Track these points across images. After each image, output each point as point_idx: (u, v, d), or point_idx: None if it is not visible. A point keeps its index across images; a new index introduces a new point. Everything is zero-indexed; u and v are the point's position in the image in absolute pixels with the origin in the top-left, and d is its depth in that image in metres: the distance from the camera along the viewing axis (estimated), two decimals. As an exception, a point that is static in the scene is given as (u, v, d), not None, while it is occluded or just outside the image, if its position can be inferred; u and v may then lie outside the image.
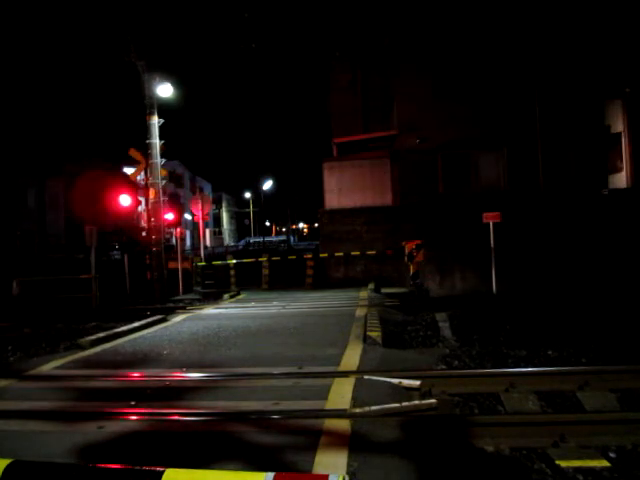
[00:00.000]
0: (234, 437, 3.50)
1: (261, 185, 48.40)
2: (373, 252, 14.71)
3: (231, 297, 13.43)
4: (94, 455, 3.30)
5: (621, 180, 15.28)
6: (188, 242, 44.76)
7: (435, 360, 6.18)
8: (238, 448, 3.32)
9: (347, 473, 2.90)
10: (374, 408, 3.91)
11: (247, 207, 61.02)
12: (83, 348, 6.99)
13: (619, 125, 15.28)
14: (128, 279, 15.04)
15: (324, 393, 4.38)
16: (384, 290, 13.50)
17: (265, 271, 15.39)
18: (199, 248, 18.10)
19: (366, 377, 4.88)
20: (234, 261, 15.81)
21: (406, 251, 12.33)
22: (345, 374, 5.04)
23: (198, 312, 10.70)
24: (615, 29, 14.84)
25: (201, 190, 45.77)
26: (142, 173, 14.44)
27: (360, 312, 9.27)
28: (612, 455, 3.55)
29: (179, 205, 39.06)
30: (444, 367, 5.91)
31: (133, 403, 4.36)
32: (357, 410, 3.91)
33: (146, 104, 13.76)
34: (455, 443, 3.70)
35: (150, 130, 13.76)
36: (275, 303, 11.43)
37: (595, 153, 15.55)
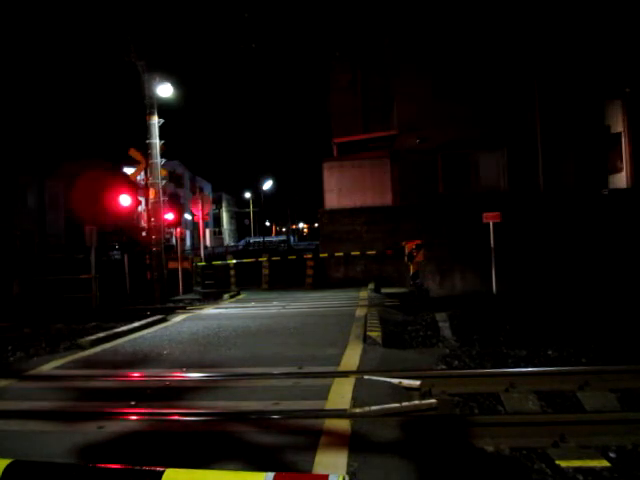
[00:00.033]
0: (234, 437, 3.50)
1: (261, 185, 48.44)
2: (373, 252, 14.71)
3: (231, 297, 13.43)
4: (94, 455, 3.30)
5: (621, 180, 15.28)
6: (188, 242, 44.77)
7: (435, 360, 6.18)
8: (238, 448, 3.32)
9: (347, 473, 2.90)
10: (374, 408, 3.91)
11: (247, 207, 61.03)
12: (83, 348, 6.99)
13: (619, 125, 15.28)
14: (128, 279, 15.04)
15: (324, 393, 4.38)
16: (384, 290, 13.50)
17: (265, 271, 15.39)
18: (199, 248, 18.10)
19: (366, 377, 4.88)
20: (234, 261, 15.80)
21: (406, 251, 12.33)
22: (345, 374, 5.04)
23: (198, 312, 10.70)
24: (615, 29, 14.84)
25: (201, 190, 45.79)
26: (142, 173, 14.44)
27: (360, 312, 9.27)
28: (612, 455, 3.56)
29: (179, 205, 39.08)
30: (444, 367, 5.91)
31: (133, 403, 4.36)
32: (357, 410, 3.91)
33: (146, 104, 13.76)
34: (455, 443, 3.70)
35: (150, 130, 13.75)
36: (275, 303, 11.43)
37: (595, 153, 15.55)
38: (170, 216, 17.23)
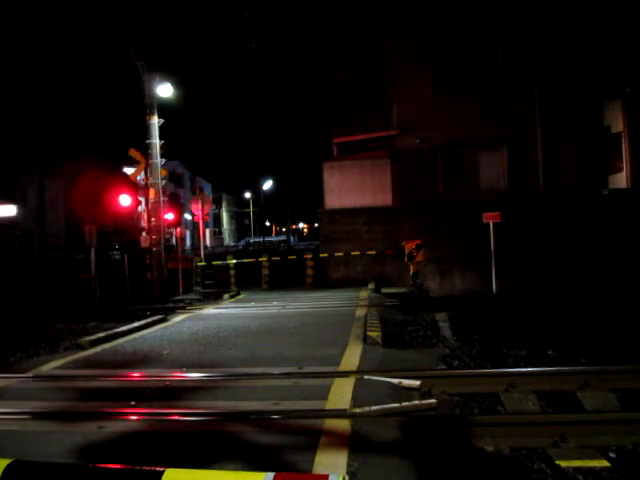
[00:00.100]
0: (234, 437, 3.50)
1: (261, 185, 48.45)
2: (373, 252, 14.71)
3: (231, 297, 13.43)
4: (94, 455, 3.30)
5: (621, 180, 15.28)
6: (188, 242, 44.76)
7: (435, 360, 6.18)
8: (238, 448, 3.32)
9: (347, 473, 2.90)
10: (374, 408, 3.91)
11: (247, 207, 61.01)
12: (83, 348, 6.99)
13: (619, 125, 15.28)
14: (128, 279, 15.05)
15: (324, 393, 4.38)
16: (384, 290, 13.50)
17: (265, 271, 15.40)
18: (199, 248, 18.10)
19: (366, 377, 4.88)
20: (234, 261, 15.81)
21: (406, 251, 12.33)
22: (345, 374, 5.04)
23: (198, 312, 10.70)
24: (615, 30, 14.84)
25: (201, 190, 45.73)
26: (142, 173, 14.45)
27: (360, 312, 9.27)
28: (612, 455, 3.55)
29: (179, 205, 39.06)
30: (444, 367, 5.91)
31: (133, 403, 4.36)
32: (357, 410, 3.91)
33: (146, 104, 13.77)
34: (455, 443, 3.70)
35: (150, 130, 13.76)
36: (275, 303, 11.44)
37: (595, 153, 15.55)
38: (170, 216, 17.23)
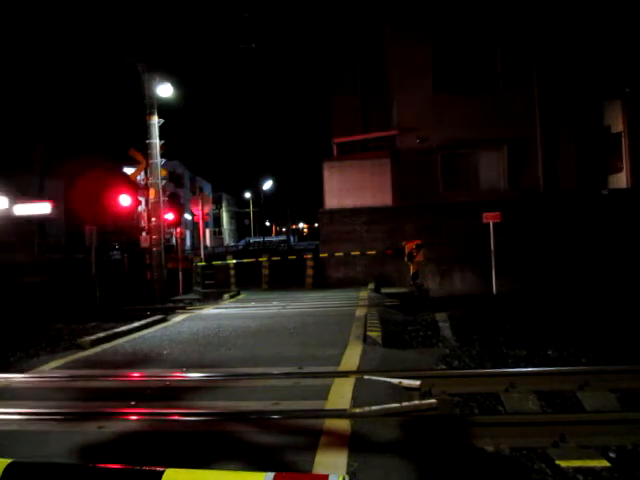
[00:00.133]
0: (234, 437, 3.50)
1: (261, 185, 48.42)
2: (373, 252, 14.71)
3: (231, 297, 13.43)
4: (94, 455, 3.30)
5: (621, 180, 15.28)
6: (188, 242, 44.75)
7: (435, 360, 6.18)
8: (238, 448, 3.32)
9: (347, 473, 2.90)
10: (374, 408, 3.91)
11: (247, 207, 61.00)
12: (83, 348, 6.99)
13: (619, 125, 15.28)
14: (128, 279, 15.05)
15: (324, 393, 4.38)
16: (384, 290, 13.50)
17: (265, 271, 15.39)
18: (199, 248, 18.09)
19: (366, 377, 4.88)
20: (234, 261, 15.80)
21: (406, 251, 12.33)
22: (345, 374, 5.04)
23: (198, 312, 10.70)
24: (615, 30, 14.84)
25: (201, 190, 45.73)
26: (142, 173, 14.45)
27: (360, 312, 9.27)
28: (612, 455, 3.55)
29: (179, 205, 39.04)
30: (444, 367, 5.91)
31: (133, 403, 4.37)
32: (357, 410, 3.91)
33: (146, 104, 13.77)
34: (455, 443, 3.70)
35: (150, 130, 13.76)
36: (275, 303, 11.43)
37: (595, 153, 15.55)
38: (170, 216, 17.23)
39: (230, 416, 3.97)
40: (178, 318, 9.78)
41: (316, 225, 42.03)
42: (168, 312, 10.88)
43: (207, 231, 17.89)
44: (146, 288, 14.44)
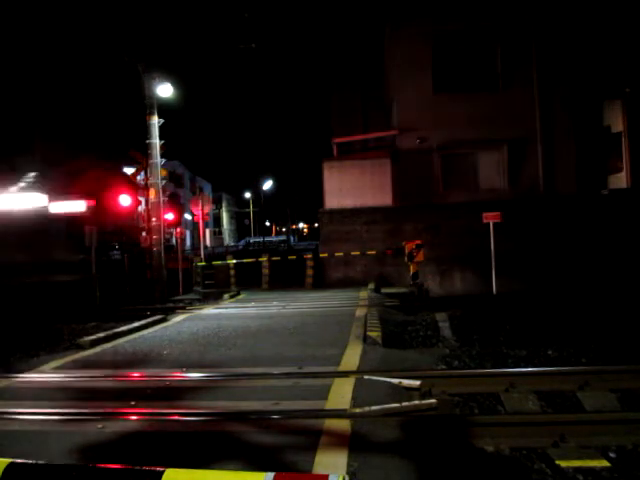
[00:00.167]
0: (234, 437, 3.50)
1: (261, 185, 48.41)
2: (373, 252, 14.71)
3: (231, 297, 13.43)
4: (94, 455, 3.30)
5: (621, 180, 15.28)
6: (188, 242, 44.74)
7: (435, 360, 6.18)
8: (238, 448, 3.32)
9: (347, 473, 2.90)
10: (374, 408, 3.91)
11: (247, 207, 60.98)
12: (83, 348, 6.99)
13: (619, 125, 15.28)
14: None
15: (324, 393, 4.38)
16: (384, 290, 13.50)
17: (265, 271, 15.39)
18: (199, 248, 18.10)
19: (366, 377, 4.88)
20: (234, 261, 15.80)
21: (406, 251, 12.33)
22: (345, 374, 5.04)
23: (198, 312, 10.70)
24: (615, 30, 14.84)
25: (201, 190, 45.71)
26: (142, 173, 14.46)
27: (360, 312, 9.27)
28: (612, 455, 3.55)
29: (179, 205, 39.05)
30: (444, 367, 5.91)
31: (133, 403, 4.36)
32: (357, 410, 3.91)
33: (146, 104, 13.77)
34: (455, 443, 3.70)
35: (150, 130, 13.76)
36: (275, 303, 11.43)
37: (595, 153, 15.55)
38: (170, 216, 17.24)
39: (230, 416, 3.97)
40: (178, 318, 9.78)
41: (316, 225, 42.02)
42: (168, 312, 10.88)
43: (207, 231, 17.91)
44: (146, 288, 14.43)
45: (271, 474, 1.66)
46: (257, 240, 50.73)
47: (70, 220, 14.68)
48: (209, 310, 10.93)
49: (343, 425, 3.63)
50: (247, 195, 59.62)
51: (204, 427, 3.81)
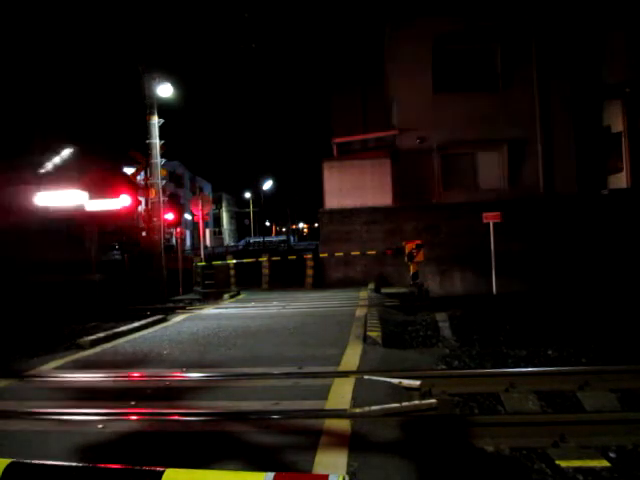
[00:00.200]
0: (234, 437, 3.50)
1: (261, 185, 48.44)
2: (373, 252, 14.70)
3: (231, 297, 13.43)
4: (94, 455, 3.30)
5: (621, 180, 15.28)
6: (188, 242, 44.73)
7: (435, 360, 6.18)
8: (238, 448, 3.32)
9: (347, 473, 2.90)
10: (374, 408, 3.91)
11: (247, 207, 61.00)
12: (83, 348, 6.99)
13: (619, 125, 15.28)
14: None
15: (324, 393, 4.38)
16: (384, 290, 13.50)
17: (265, 271, 15.39)
18: (199, 248, 18.09)
19: (366, 377, 4.88)
20: (234, 261, 15.80)
21: (406, 251, 12.33)
22: (345, 374, 5.04)
23: (198, 312, 10.70)
24: (615, 30, 14.84)
25: (201, 190, 45.73)
26: (142, 173, 14.47)
27: (360, 312, 9.27)
28: (612, 455, 3.55)
29: (179, 205, 39.02)
30: (444, 367, 5.91)
31: (133, 403, 4.36)
32: (357, 410, 3.91)
33: (146, 104, 13.78)
34: (455, 443, 3.70)
35: (150, 130, 13.77)
36: (275, 303, 11.43)
37: (595, 153, 15.55)
38: (170, 216, 17.23)
39: (230, 416, 3.97)
40: (178, 318, 9.78)
41: (316, 225, 42.01)
42: (168, 312, 10.88)
43: (207, 231, 17.91)
44: (146, 288, 14.44)
45: (271, 474, 1.66)
46: (257, 240, 50.74)
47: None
48: (209, 310, 10.93)
49: (343, 425, 3.63)
50: (247, 195, 59.69)
51: (204, 427, 3.81)
